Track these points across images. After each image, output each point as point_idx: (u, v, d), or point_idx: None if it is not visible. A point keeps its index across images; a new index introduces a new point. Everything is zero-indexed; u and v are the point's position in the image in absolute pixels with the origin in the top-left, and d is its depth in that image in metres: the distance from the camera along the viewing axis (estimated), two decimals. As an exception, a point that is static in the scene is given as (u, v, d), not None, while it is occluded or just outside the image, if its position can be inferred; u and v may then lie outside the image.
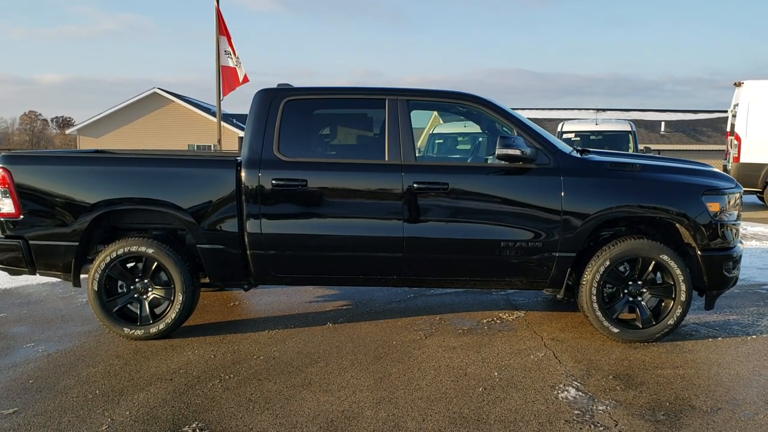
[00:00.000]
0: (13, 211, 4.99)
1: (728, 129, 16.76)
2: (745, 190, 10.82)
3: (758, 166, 15.07)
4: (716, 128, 39.73)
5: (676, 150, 35.86)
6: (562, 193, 4.86)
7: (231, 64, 12.83)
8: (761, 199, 15.62)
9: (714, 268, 4.94)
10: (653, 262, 4.89)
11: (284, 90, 5.24)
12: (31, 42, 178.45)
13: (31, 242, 5.04)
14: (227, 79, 12.96)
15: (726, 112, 17.89)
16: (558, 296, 5.23)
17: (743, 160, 15.22)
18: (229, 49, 12.83)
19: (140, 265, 5.08)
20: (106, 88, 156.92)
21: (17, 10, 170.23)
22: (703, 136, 40.22)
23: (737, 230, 5.12)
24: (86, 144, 36.18)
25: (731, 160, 15.60)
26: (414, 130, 5.17)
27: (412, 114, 5.15)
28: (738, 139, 15.32)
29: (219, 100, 13.26)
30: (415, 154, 5.05)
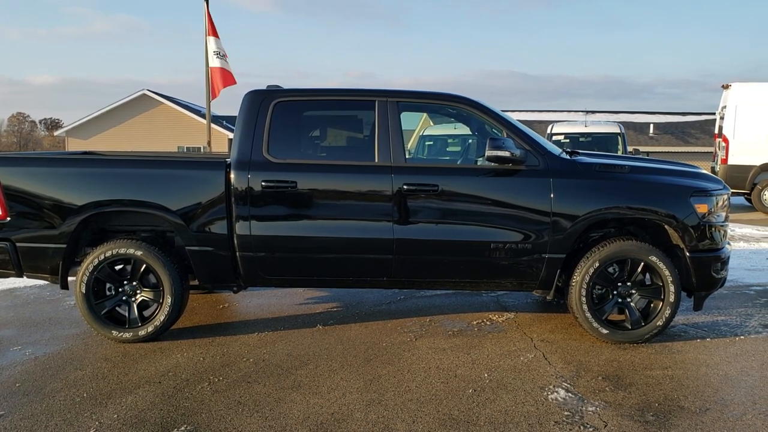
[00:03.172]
0: (0, 213, 4.95)
1: (716, 131, 16.88)
2: (732, 192, 10.90)
3: (746, 168, 15.19)
4: (704, 130, 40.00)
5: (665, 152, 36.10)
6: (552, 195, 4.87)
7: (219, 65, 12.75)
8: (749, 200, 15.73)
9: (702, 269, 4.96)
10: (642, 264, 4.91)
11: (274, 91, 5.22)
12: (25, 43, 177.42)
13: (18, 245, 5.00)
14: (217, 80, 12.90)
15: (714, 114, 18.01)
16: (548, 297, 5.24)
17: (731, 162, 15.34)
18: (218, 50, 12.76)
19: (128, 268, 5.04)
20: (99, 90, 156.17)
21: (11, 10, 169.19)
22: (692, 138, 40.52)
23: (725, 231, 5.15)
24: (75, 146, 35.95)
25: (719, 162, 15.72)
26: (404, 132, 5.17)
27: (402, 116, 5.15)
28: (726, 141, 15.44)
29: (209, 102, 13.20)
30: (405, 155, 5.05)
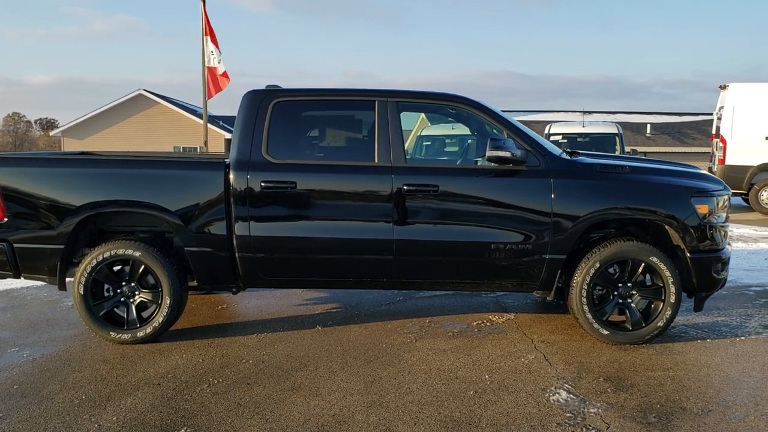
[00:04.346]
0: (-3, 213, 4.91)
1: (713, 131, 16.89)
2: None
3: (743, 168, 15.20)
4: (701, 131, 40.06)
5: (662, 152, 36.14)
6: (552, 195, 4.86)
7: (214, 65, 12.74)
8: (746, 201, 15.75)
9: (703, 269, 4.95)
10: (643, 264, 4.90)
11: (273, 91, 5.20)
12: (23, 43, 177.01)
13: (15, 245, 4.97)
14: (214, 80, 12.88)
15: (711, 114, 18.03)
16: (548, 298, 5.23)
17: (728, 162, 15.35)
18: (215, 50, 12.74)
19: (127, 269, 5.01)
20: (96, 90, 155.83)
21: (10, 10, 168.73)
22: (689, 139, 40.57)
23: (726, 232, 5.14)
24: (71, 146, 35.81)
25: (717, 163, 15.73)
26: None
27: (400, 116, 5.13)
28: (723, 141, 15.45)
29: (205, 102, 13.19)
30: (404, 156, 5.03)
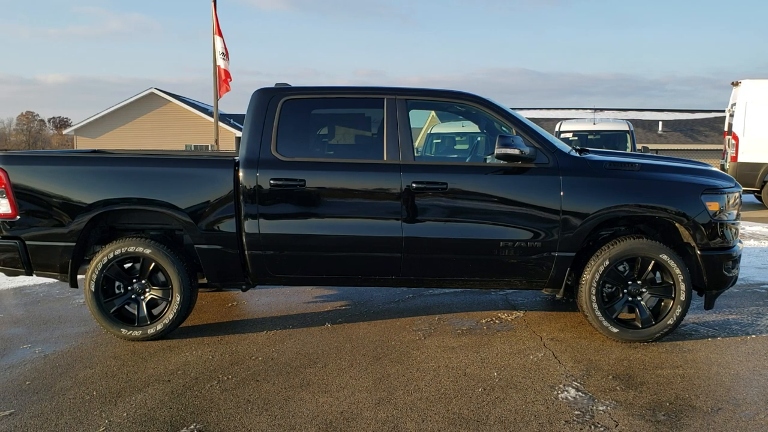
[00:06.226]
0: (10, 211, 4.96)
1: (726, 128, 16.76)
2: (743, 190, 10.82)
3: (756, 166, 15.07)
4: (714, 128, 39.77)
5: (674, 150, 35.90)
6: (561, 193, 4.85)
7: (223, 65, 12.80)
8: (759, 198, 15.61)
9: (713, 267, 4.92)
10: (653, 262, 4.88)
11: (282, 89, 5.21)
12: (37, 42, 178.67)
13: (27, 243, 5.01)
14: (224, 79, 12.93)
15: (724, 111, 17.88)
16: (557, 296, 5.22)
17: (741, 159, 15.22)
18: (223, 50, 12.80)
19: (138, 266, 5.05)
20: (108, 89, 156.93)
21: (24, 10, 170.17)
22: (701, 136, 40.28)
23: (736, 229, 5.11)
24: (83, 144, 36.09)
25: (729, 160, 15.60)
26: (412, 130, 5.14)
27: (410, 114, 5.13)
28: (736, 138, 15.32)
29: (216, 101, 13.24)
30: (413, 153, 5.03)
